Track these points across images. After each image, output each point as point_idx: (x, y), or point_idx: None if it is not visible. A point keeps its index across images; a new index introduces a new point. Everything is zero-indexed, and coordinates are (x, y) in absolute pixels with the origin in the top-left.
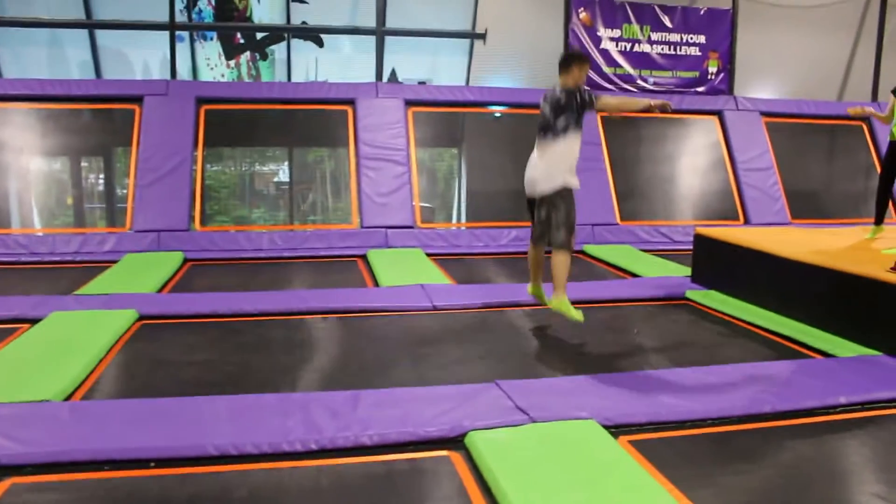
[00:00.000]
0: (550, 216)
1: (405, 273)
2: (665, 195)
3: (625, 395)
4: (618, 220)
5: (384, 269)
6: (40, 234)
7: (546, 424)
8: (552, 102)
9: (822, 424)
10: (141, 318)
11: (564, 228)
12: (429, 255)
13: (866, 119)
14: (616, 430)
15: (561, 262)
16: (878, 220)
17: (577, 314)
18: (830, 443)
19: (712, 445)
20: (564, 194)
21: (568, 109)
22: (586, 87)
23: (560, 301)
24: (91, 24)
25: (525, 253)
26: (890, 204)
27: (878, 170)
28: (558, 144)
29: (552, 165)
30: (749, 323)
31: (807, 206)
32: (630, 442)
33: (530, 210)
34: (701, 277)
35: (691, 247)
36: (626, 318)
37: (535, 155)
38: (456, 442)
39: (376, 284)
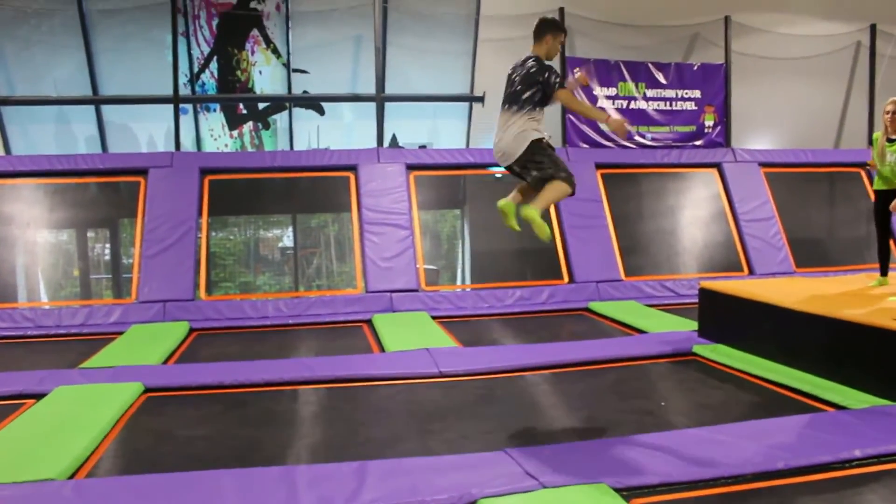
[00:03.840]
0: (539, 170)
1: (411, 337)
2: (668, 249)
3: (635, 457)
4: (622, 276)
5: (390, 333)
6: (46, 307)
7: (557, 490)
8: (521, 73)
9: (838, 480)
10: (147, 390)
11: (559, 171)
12: (434, 317)
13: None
14: (628, 493)
15: (556, 187)
16: (884, 272)
17: (545, 231)
18: (847, 498)
19: None
20: (536, 148)
21: (535, 85)
22: (555, 71)
23: (535, 212)
24: (97, 100)
25: (530, 312)
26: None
27: None
28: (522, 117)
29: (518, 134)
30: (758, 377)
31: (810, 254)
32: None
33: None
34: (708, 331)
35: (697, 300)
36: (635, 377)
37: (498, 125)
38: None
39: (382, 350)
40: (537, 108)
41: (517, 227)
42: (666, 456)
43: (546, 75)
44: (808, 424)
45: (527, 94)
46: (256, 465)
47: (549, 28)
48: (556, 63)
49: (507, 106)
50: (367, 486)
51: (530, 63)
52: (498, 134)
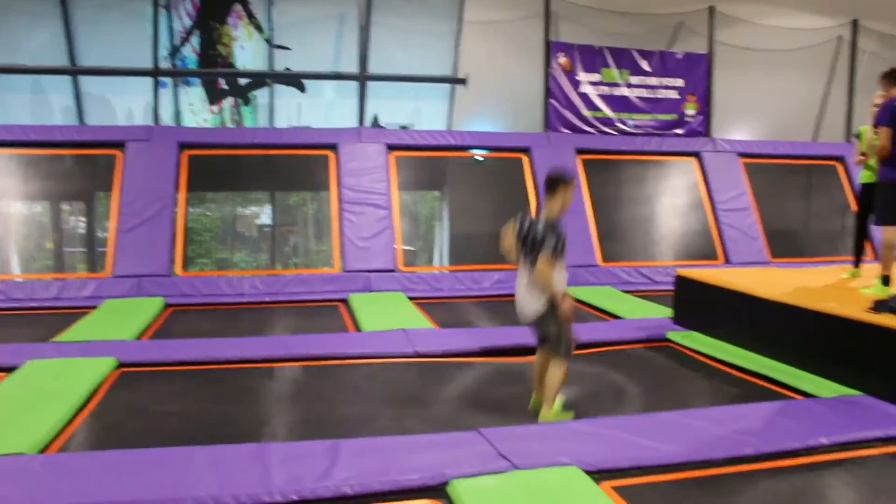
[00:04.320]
0: (546, 332)
1: (387, 317)
2: (645, 236)
3: (607, 440)
4: (599, 262)
5: (366, 313)
6: (18, 279)
7: (528, 471)
8: (531, 232)
9: (805, 466)
10: (120, 365)
11: (561, 342)
12: (411, 298)
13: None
14: (598, 475)
15: (556, 374)
16: (857, 263)
17: (567, 415)
18: (813, 484)
19: (695, 489)
20: (553, 307)
21: (546, 247)
22: (561, 239)
23: (549, 415)
24: (75, 71)
25: (507, 296)
26: (866, 244)
27: (854, 209)
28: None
29: (535, 296)
30: (730, 364)
31: (785, 245)
32: (613, 487)
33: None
34: (682, 318)
35: (672, 287)
36: (609, 361)
37: (518, 276)
38: (438, 490)
39: (358, 329)
40: (557, 260)
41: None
42: (637, 439)
43: (548, 238)
44: (778, 411)
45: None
46: (230, 442)
47: (559, 181)
48: (540, 51)
49: (522, 256)
50: (339, 464)
51: (539, 228)
52: (518, 282)
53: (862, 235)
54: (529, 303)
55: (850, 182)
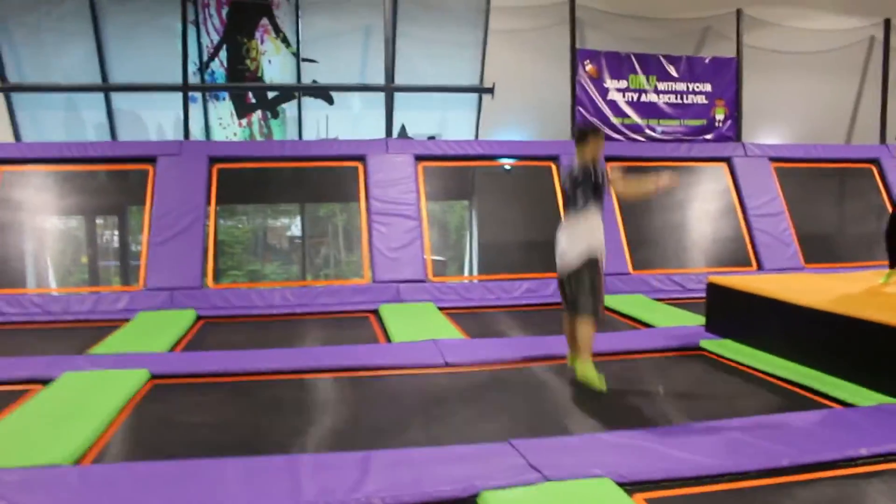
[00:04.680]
0: (577, 286)
1: (417, 328)
2: (677, 243)
3: (640, 451)
4: (630, 270)
5: (396, 324)
6: (55, 293)
7: (560, 483)
8: (571, 179)
9: (843, 477)
10: (153, 377)
11: (590, 296)
12: (441, 308)
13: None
14: (631, 487)
15: (585, 330)
16: (893, 264)
17: (600, 384)
18: (853, 496)
19: (730, 501)
20: (590, 264)
21: (585, 186)
22: (601, 168)
23: (584, 369)
24: (107, 88)
25: (537, 305)
26: None
27: (890, 210)
28: (580, 220)
29: (575, 239)
30: (765, 373)
31: (819, 250)
32: (646, 500)
33: (561, 288)
34: (715, 326)
35: (704, 295)
36: (641, 370)
37: (560, 230)
38: (469, 502)
39: (388, 340)
40: (593, 208)
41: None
42: (670, 451)
43: (593, 177)
44: (815, 421)
45: (580, 198)
46: (261, 454)
47: (589, 134)
48: (566, 58)
49: (565, 208)
50: (370, 476)
51: (576, 171)
52: (560, 235)
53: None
54: (570, 254)
55: (885, 184)
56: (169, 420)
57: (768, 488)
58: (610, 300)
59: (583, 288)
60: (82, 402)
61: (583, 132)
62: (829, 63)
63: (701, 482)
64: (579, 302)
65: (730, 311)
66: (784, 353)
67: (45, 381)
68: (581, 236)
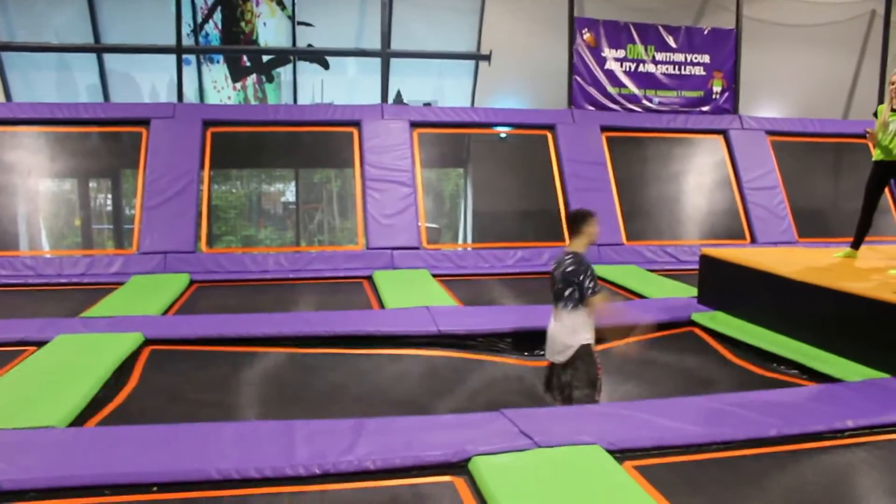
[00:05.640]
0: (571, 379)
1: (411, 295)
2: (671, 215)
3: (629, 420)
4: (624, 241)
5: (390, 290)
6: (48, 256)
7: (551, 450)
8: (560, 271)
9: (830, 449)
10: (146, 341)
11: (586, 387)
12: (435, 276)
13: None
14: (621, 455)
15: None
16: (856, 245)
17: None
18: (838, 467)
19: (718, 470)
20: (582, 354)
21: (572, 285)
22: (591, 274)
23: None
24: (99, 49)
25: (530, 273)
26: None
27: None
28: (570, 316)
29: (566, 334)
30: (755, 346)
31: (813, 224)
32: (635, 467)
33: (549, 371)
34: (707, 298)
35: (697, 266)
36: (631, 342)
37: (551, 318)
38: (460, 467)
39: (382, 306)
40: (580, 306)
41: None
42: (660, 420)
43: (581, 278)
44: (803, 394)
45: (567, 293)
46: (254, 418)
47: (582, 219)
48: (564, 27)
49: (555, 303)
50: (362, 440)
51: (567, 262)
52: (550, 323)
53: (868, 215)
54: (561, 349)
55: None
56: (163, 383)
57: (755, 458)
58: (603, 270)
59: (577, 380)
60: (76, 365)
61: (575, 216)
62: (828, 37)
63: (689, 451)
64: (573, 395)
65: (722, 283)
66: (774, 327)
67: (39, 344)
68: (571, 332)
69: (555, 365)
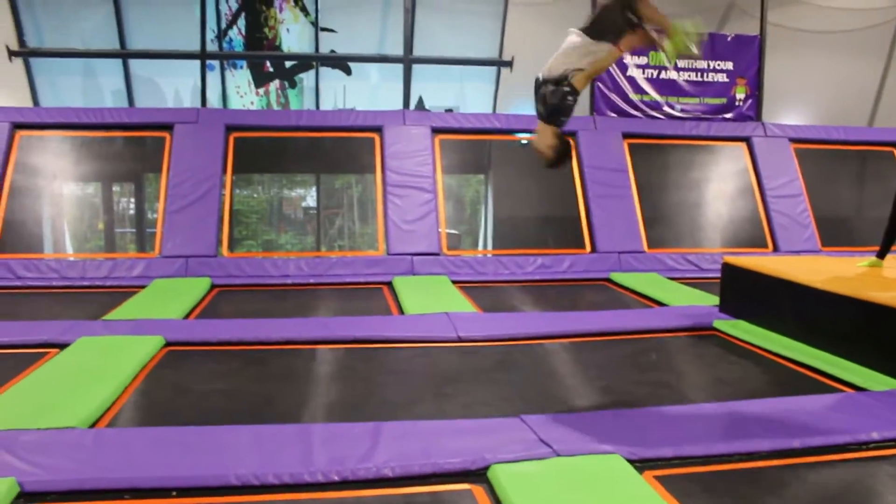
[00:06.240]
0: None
1: (431, 301)
2: (693, 222)
3: (651, 429)
4: (645, 248)
5: (410, 296)
6: (71, 258)
7: (570, 458)
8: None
9: (855, 461)
10: (167, 344)
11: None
12: (455, 282)
13: None
14: (641, 464)
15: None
16: (883, 254)
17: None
18: (863, 480)
19: (740, 481)
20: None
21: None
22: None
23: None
24: (125, 54)
25: (551, 280)
26: None
27: None
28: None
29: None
30: (778, 355)
31: (837, 233)
32: (656, 477)
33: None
34: (729, 307)
35: (719, 275)
36: (654, 349)
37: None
38: (479, 475)
39: (401, 312)
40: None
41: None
42: (681, 429)
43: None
44: (827, 404)
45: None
46: (272, 422)
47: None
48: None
49: (585, 32)
50: (380, 446)
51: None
52: (564, 47)
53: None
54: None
55: None
56: (182, 386)
57: (778, 469)
58: (623, 277)
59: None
60: (98, 367)
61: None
62: (853, 43)
63: (711, 461)
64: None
65: (744, 291)
66: (798, 336)
67: (61, 346)
68: (576, 58)
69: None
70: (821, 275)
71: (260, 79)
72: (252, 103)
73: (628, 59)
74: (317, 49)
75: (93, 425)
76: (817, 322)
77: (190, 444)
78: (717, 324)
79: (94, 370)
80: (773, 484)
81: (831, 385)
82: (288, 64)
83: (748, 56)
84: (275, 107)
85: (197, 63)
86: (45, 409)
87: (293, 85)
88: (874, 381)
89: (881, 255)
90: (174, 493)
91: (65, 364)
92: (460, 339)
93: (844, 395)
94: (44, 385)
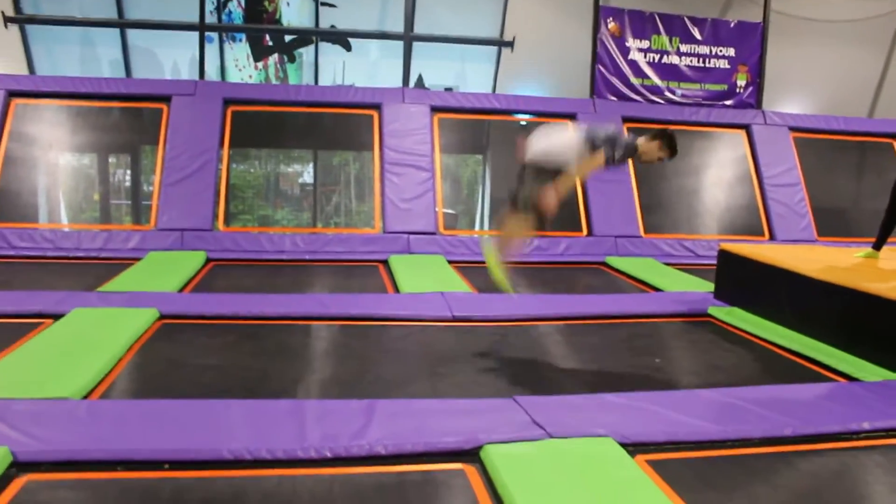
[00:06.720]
0: (531, 182)
1: (426, 280)
2: (690, 209)
3: (643, 413)
4: (641, 233)
5: (405, 275)
6: (66, 229)
7: (563, 441)
8: (609, 134)
9: (845, 450)
10: (162, 317)
11: (529, 202)
12: (450, 262)
13: None
14: (633, 448)
15: (514, 225)
16: (879, 245)
17: (508, 287)
18: (852, 469)
19: (730, 467)
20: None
21: (610, 143)
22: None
23: (493, 263)
24: (122, 24)
25: (547, 263)
26: None
27: None
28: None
29: (566, 148)
30: (772, 343)
31: (834, 223)
32: (647, 461)
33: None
34: (724, 293)
35: (715, 262)
36: (648, 334)
37: (561, 129)
38: (471, 455)
39: (397, 290)
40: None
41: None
42: (674, 414)
43: (622, 140)
44: (820, 394)
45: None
46: (266, 397)
47: (666, 141)
48: (589, 15)
49: (582, 145)
50: (373, 424)
51: (626, 139)
52: (552, 137)
53: (893, 215)
54: (546, 152)
55: None
56: (176, 360)
57: (769, 456)
58: (619, 262)
59: (533, 184)
60: (92, 339)
61: (662, 135)
62: (856, 33)
63: (703, 447)
64: (523, 195)
65: (740, 278)
66: (792, 324)
67: (55, 316)
68: (568, 151)
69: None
70: (817, 264)
71: (259, 52)
72: (250, 77)
73: (631, 43)
74: (317, 24)
75: (86, 396)
76: (812, 311)
77: (183, 418)
78: (712, 310)
79: (88, 341)
80: (765, 470)
81: (824, 374)
82: (287, 38)
83: (750, 43)
84: (273, 81)
85: (195, 35)
86: (39, 379)
87: (292, 59)
88: (867, 371)
89: (877, 246)
90: (166, 466)
91: (59, 335)
92: (455, 319)
93: (837, 384)
94: (38, 355)
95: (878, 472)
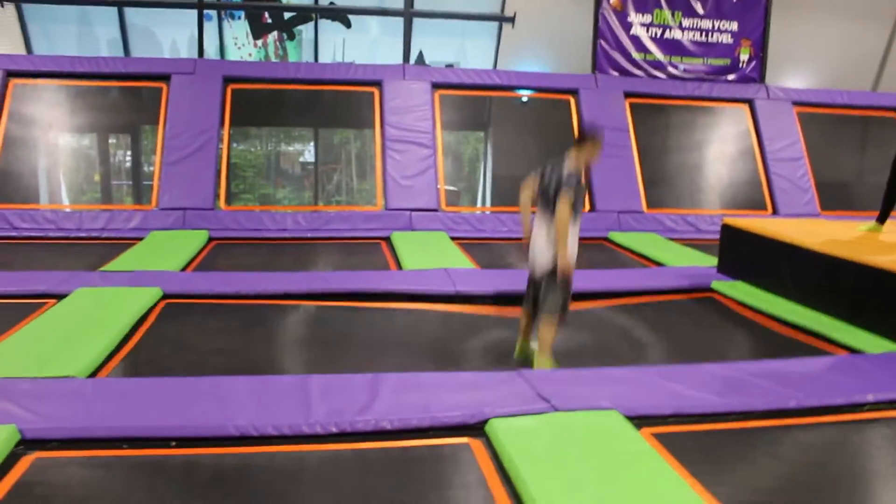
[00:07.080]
0: (547, 286)
1: (429, 256)
2: (692, 184)
3: (648, 387)
4: (644, 208)
5: (408, 252)
6: (68, 210)
7: (568, 414)
8: (555, 178)
9: (849, 422)
10: (165, 296)
11: (559, 294)
12: (453, 238)
13: None
14: (639, 421)
15: (549, 330)
16: (882, 219)
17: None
18: (856, 441)
19: (735, 440)
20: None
21: (565, 188)
22: (580, 187)
23: (542, 365)
24: (120, 2)
25: None
26: None
27: None
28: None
29: (551, 246)
30: (775, 316)
31: (837, 197)
32: (653, 434)
33: (529, 285)
34: (727, 268)
35: (718, 236)
36: (652, 309)
37: (535, 230)
38: (476, 429)
39: (399, 267)
40: (574, 216)
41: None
42: (679, 388)
43: (570, 182)
44: (824, 366)
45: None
46: (270, 373)
47: (589, 138)
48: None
49: (542, 211)
50: (379, 398)
51: (564, 173)
52: (534, 236)
53: (894, 192)
54: (545, 256)
55: None
56: (180, 338)
57: (773, 429)
58: (622, 237)
59: (552, 287)
60: (96, 318)
61: (585, 134)
62: (860, 7)
63: (707, 420)
64: (548, 300)
65: (743, 253)
66: (795, 298)
67: (59, 296)
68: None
69: (535, 280)
70: (820, 238)
71: (258, 30)
72: (250, 55)
73: (633, 17)
74: (316, 1)
75: (92, 375)
76: (815, 285)
77: (188, 395)
78: (716, 285)
79: (92, 321)
80: (769, 443)
81: (828, 348)
82: (287, 15)
83: (754, 17)
84: (273, 59)
85: (194, 13)
86: (45, 358)
87: (291, 37)
88: (871, 343)
89: (881, 219)
90: (173, 444)
91: (63, 314)
92: (458, 295)
93: (841, 357)
94: (42, 335)
95: (882, 444)
